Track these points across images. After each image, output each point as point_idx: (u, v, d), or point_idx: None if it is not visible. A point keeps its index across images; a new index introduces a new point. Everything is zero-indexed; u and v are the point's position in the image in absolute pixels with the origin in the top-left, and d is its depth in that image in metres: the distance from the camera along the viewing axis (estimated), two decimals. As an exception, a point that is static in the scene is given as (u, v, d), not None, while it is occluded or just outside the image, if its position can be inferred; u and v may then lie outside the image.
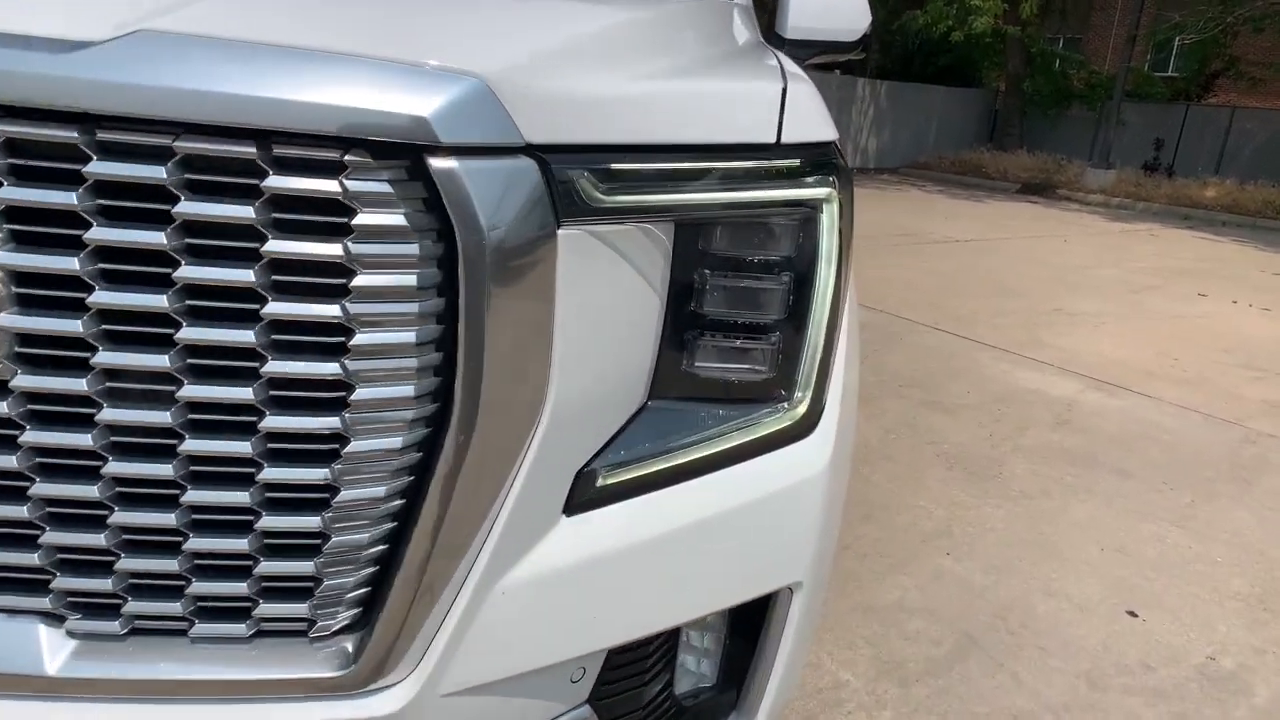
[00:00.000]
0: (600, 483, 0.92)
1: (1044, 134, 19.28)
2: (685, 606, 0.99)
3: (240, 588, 0.83)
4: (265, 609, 0.84)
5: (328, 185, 0.71)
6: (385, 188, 0.72)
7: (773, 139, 0.93)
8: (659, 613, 0.96)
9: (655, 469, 0.96)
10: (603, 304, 0.86)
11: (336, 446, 0.78)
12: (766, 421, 1.03)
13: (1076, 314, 6.33)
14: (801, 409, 1.05)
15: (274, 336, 0.74)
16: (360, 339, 0.74)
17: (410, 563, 0.82)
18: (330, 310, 0.73)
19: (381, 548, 0.84)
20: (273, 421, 0.76)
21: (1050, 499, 3.25)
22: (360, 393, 0.76)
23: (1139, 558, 2.85)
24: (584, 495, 0.91)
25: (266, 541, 0.82)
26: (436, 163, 0.72)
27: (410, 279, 0.74)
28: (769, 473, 1.03)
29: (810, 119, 0.99)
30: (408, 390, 0.77)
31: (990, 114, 21.02)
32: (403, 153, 0.72)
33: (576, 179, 0.80)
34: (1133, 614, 2.52)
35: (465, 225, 0.73)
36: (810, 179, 0.99)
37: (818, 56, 2.18)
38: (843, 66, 18.59)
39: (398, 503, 0.82)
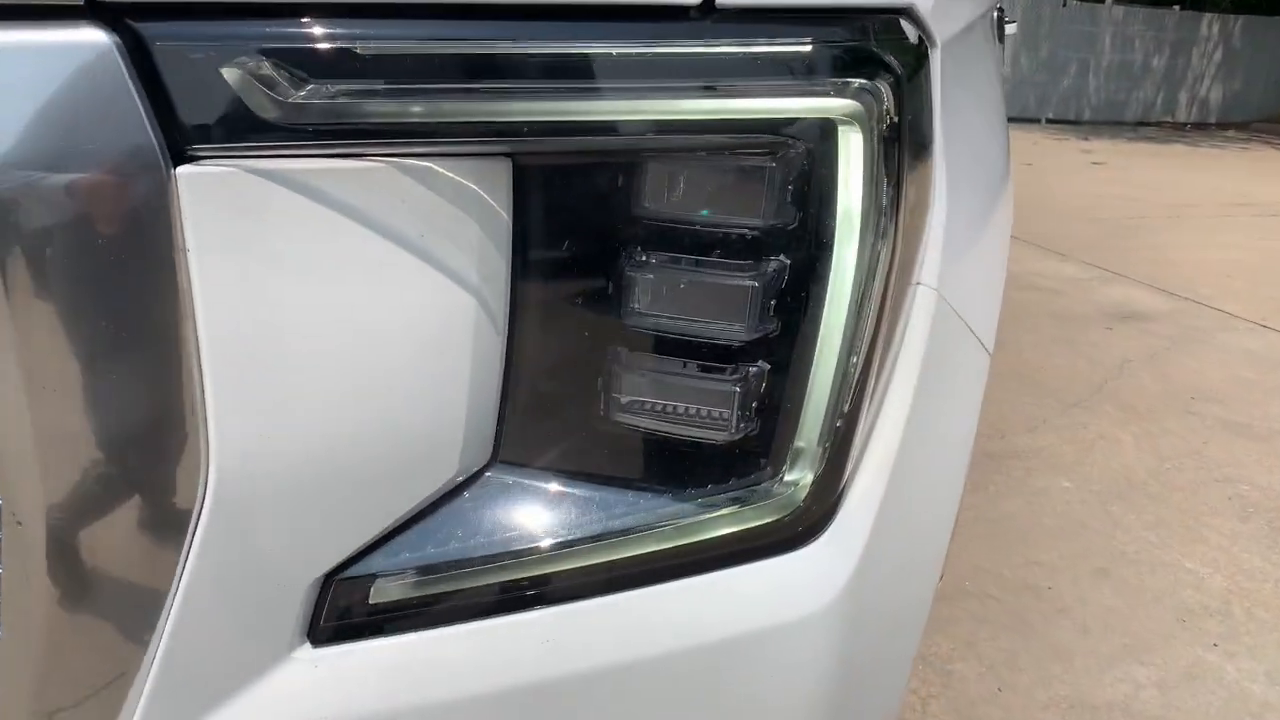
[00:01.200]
0: (376, 597, 0.55)
1: None
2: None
3: None
4: None
5: None
6: None
7: (695, -8, 0.48)
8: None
9: (489, 581, 0.56)
10: (328, 299, 0.48)
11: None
12: (723, 514, 0.59)
13: None
14: (799, 494, 0.60)
15: None
16: None
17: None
18: None
19: None
20: None
21: (1405, 585, 2.28)
22: None
23: None
24: (346, 614, 0.55)
25: None
26: None
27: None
28: (721, 604, 0.59)
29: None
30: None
31: (1398, 52, 16.48)
32: None
33: (227, 69, 0.42)
34: None
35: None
36: (809, 81, 0.52)
37: None
38: (1185, 2, 15.43)
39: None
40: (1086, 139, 12.58)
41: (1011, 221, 1.03)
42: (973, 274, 0.77)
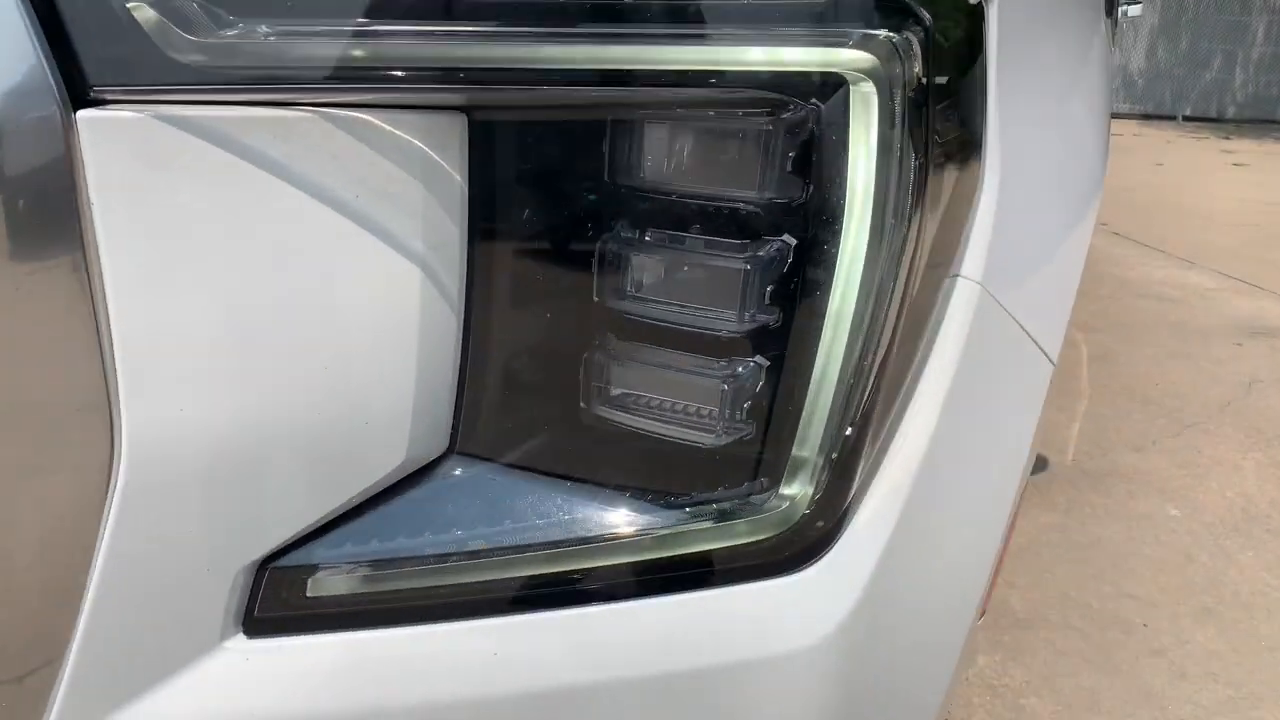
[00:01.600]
0: (315, 590, 0.51)
1: None
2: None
3: None
4: None
5: None
6: None
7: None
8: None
9: (437, 582, 0.51)
10: (252, 264, 0.43)
11: None
12: (706, 527, 0.53)
13: None
14: (795, 510, 0.52)
15: None
16: None
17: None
18: None
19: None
20: None
21: None
22: None
23: None
24: (282, 605, 0.51)
25: None
26: None
27: None
28: (698, 629, 0.52)
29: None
30: None
31: None
32: None
33: (134, 5, 0.38)
34: None
35: None
36: (817, 29, 0.45)
37: None
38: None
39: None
40: (1228, 138, 11.61)
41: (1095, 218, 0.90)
42: (1035, 271, 0.67)
